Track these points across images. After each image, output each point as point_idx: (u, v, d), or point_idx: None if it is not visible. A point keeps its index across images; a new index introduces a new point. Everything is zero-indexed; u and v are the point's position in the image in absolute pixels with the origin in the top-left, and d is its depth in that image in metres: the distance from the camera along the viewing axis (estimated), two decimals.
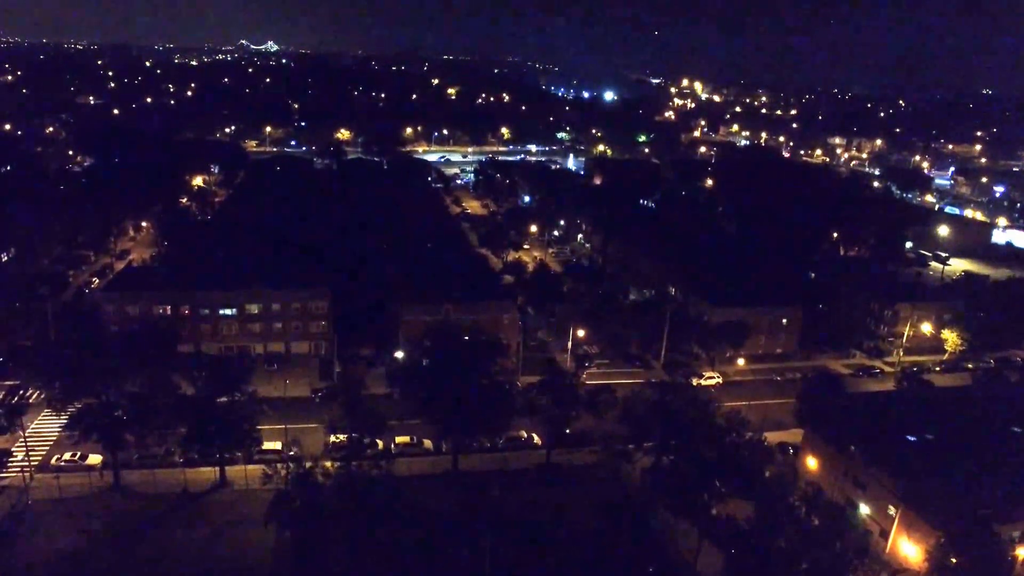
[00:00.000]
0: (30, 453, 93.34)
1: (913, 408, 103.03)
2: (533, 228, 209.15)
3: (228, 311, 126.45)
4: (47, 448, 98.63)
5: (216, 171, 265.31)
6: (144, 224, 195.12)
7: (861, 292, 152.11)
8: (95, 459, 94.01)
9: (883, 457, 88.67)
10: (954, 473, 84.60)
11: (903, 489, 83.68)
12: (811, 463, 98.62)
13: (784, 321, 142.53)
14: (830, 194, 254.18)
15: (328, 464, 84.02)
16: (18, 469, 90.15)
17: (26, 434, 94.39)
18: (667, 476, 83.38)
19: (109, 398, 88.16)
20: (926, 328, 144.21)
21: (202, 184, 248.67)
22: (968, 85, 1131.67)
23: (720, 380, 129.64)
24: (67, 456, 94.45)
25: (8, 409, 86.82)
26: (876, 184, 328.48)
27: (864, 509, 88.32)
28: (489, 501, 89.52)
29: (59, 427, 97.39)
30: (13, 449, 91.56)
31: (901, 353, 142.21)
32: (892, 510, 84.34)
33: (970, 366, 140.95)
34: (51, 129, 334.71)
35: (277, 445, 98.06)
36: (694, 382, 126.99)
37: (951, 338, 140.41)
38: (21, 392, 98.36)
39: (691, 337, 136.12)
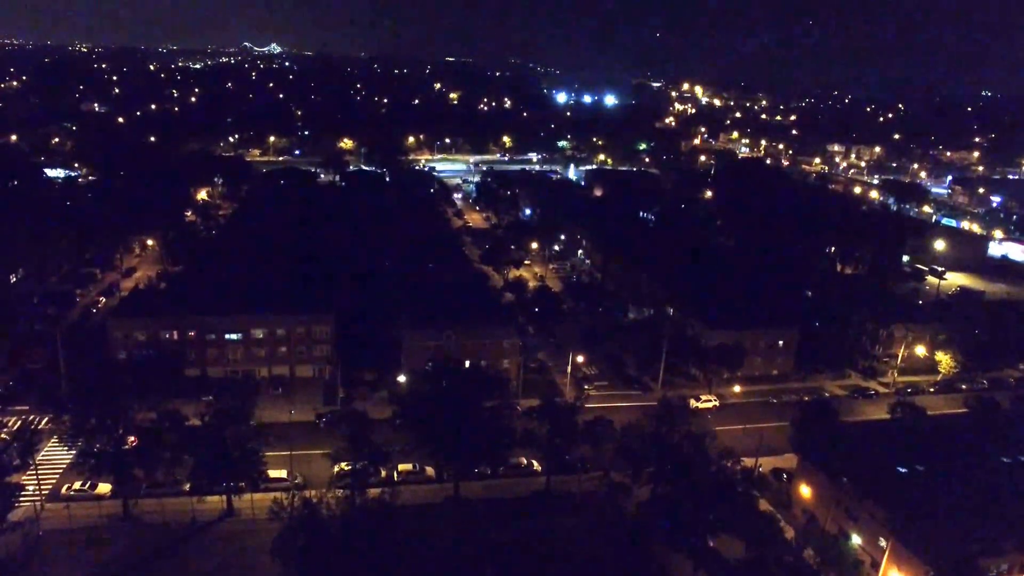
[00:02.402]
0: (40, 482, 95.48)
1: (906, 438, 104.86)
2: (534, 245, 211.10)
3: (234, 336, 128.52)
4: (57, 476, 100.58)
5: (220, 184, 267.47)
6: (150, 242, 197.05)
7: (857, 312, 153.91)
8: (104, 488, 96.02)
9: (875, 488, 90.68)
10: (945, 505, 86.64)
11: (893, 522, 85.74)
12: (805, 491, 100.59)
13: (780, 343, 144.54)
14: (828, 209, 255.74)
15: (331, 497, 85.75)
16: (29, 499, 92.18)
17: (36, 463, 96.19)
18: (663, 509, 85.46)
19: (118, 433, 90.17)
20: (920, 350, 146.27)
21: (206, 198, 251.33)
22: (967, 86, 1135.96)
23: (717, 403, 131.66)
24: (77, 485, 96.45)
25: (22, 444, 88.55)
26: (874, 194, 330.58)
27: (856, 540, 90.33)
28: (490, 531, 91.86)
29: (68, 453, 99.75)
30: (24, 478, 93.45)
31: (896, 374, 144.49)
32: (883, 542, 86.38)
33: (964, 387, 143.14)
34: (56, 140, 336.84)
35: (283, 473, 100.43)
36: (691, 405, 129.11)
37: (944, 360, 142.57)
38: (33, 424, 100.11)
39: (689, 359, 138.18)
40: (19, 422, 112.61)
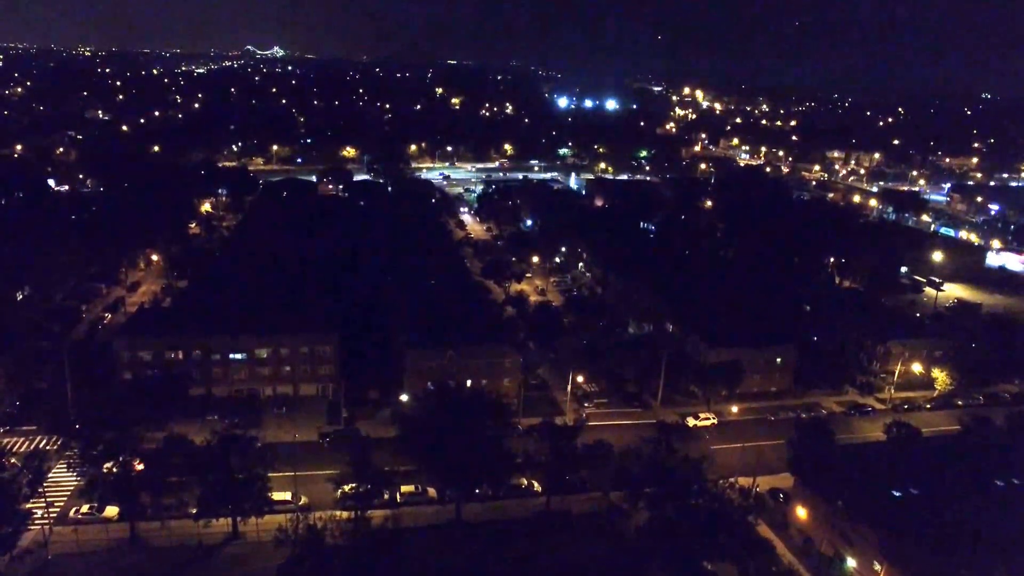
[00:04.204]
0: (48, 506, 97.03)
1: (900, 459, 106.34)
2: (535, 259, 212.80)
3: (238, 355, 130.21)
4: (65, 499, 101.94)
5: (224, 195, 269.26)
6: (155, 258, 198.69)
7: (854, 328, 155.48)
8: (112, 511, 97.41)
9: (869, 512, 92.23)
10: (938, 530, 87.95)
11: (887, 546, 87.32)
12: (801, 512, 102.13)
13: (779, 360, 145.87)
14: (826, 220, 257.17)
15: (335, 521, 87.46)
16: (38, 523, 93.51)
17: (44, 486, 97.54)
18: (661, 534, 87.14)
19: (125, 459, 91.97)
20: (917, 368, 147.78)
21: (210, 209, 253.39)
22: (967, 88, 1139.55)
23: (715, 421, 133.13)
24: (84, 509, 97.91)
25: (32, 473, 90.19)
26: (873, 202, 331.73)
27: (851, 563, 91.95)
28: (492, 553, 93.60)
29: (76, 476, 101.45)
30: (33, 501, 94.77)
31: (893, 391, 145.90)
32: (877, 566, 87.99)
33: (960, 403, 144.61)
34: (61, 150, 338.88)
35: (287, 495, 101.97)
36: (690, 423, 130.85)
37: (941, 377, 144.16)
38: (40, 443, 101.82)
39: (688, 377, 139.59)
40: (26, 443, 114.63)
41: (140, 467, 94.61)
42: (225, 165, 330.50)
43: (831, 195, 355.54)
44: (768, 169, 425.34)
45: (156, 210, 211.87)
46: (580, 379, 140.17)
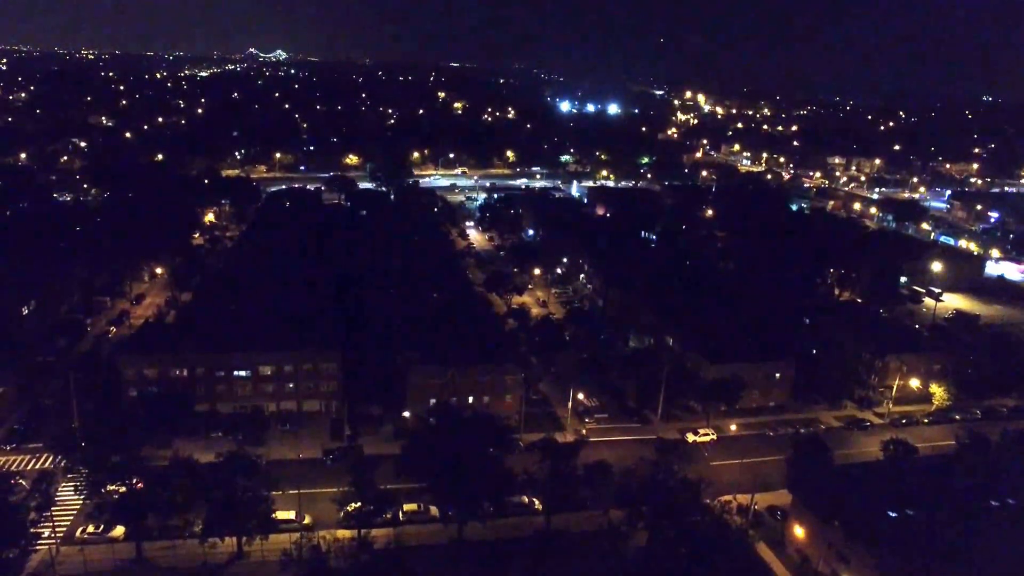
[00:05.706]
0: (55, 526, 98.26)
1: (896, 478, 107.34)
2: (537, 270, 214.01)
3: (242, 372, 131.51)
4: (71, 518, 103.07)
5: (227, 205, 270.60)
6: (159, 270, 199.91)
7: (852, 343, 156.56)
8: (118, 531, 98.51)
9: (865, 532, 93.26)
10: (933, 551, 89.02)
11: (883, 567, 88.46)
12: (798, 531, 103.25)
13: (778, 375, 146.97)
14: (827, 231, 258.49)
15: (338, 541, 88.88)
16: (44, 543, 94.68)
17: (51, 508, 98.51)
18: (659, 553, 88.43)
19: (132, 481, 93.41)
20: (914, 383, 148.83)
21: (213, 219, 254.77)
22: (967, 90, 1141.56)
23: (715, 436, 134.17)
24: (91, 529, 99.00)
25: (41, 495, 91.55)
26: (873, 210, 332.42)
27: None
28: (493, 573, 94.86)
29: (82, 496, 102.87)
30: (40, 522, 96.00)
31: (891, 405, 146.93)
32: None
33: (958, 417, 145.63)
34: (65, 158, 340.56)
35: (291, 514, 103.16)
36: (689, 439, 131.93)
37: (939, 392, 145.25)
38: (48, 462, 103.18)
39: (688, 392, 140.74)
40: (33, 460, 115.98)
41: (138, 484, 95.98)
42: (228, 174, 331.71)
43: (832, 202, 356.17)
44: (769, 176, 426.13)
45: (160, 220, 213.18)
46: (580, 395, 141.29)
